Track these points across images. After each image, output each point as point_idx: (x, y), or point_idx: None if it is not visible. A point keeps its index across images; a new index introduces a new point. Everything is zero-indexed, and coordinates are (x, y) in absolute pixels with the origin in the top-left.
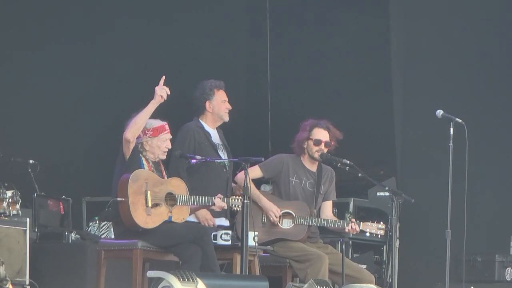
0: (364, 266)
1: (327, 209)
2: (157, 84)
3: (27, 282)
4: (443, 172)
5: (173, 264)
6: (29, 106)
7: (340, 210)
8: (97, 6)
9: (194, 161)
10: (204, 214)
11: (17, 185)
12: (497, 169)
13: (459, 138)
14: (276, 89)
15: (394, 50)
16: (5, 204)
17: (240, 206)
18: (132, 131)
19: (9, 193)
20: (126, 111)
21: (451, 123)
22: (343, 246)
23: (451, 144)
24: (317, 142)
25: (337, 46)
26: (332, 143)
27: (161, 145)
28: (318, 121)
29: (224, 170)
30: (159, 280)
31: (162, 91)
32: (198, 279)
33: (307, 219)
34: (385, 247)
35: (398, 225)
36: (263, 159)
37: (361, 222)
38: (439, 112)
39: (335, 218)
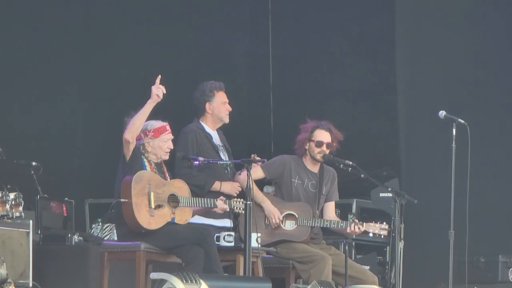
0: (367, 267)
1: (330, 210)
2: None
3: (31, 285)
4: (446, 172)
5: (176, 266)
6: (31, 108)
7: (342, 211)
8: (99, 7)
9: (197, 162)
10: (229, 186)
11: (19, 187)
12: (500, 169)
13: (461, 138)
14: (278, 90)
15: (399, 52)
16: (8, 206)
17: (242, 209)
18: (131, 132)
19: (12, 195)
20: (129, 113)
21: (454, 124)
22: (346, 247)
23: (453, 144)
24: (319, 144)
25: (339, 47)
26: (334, 144)
27: (162, 145)
28: (320, 122)
29: (226, 171)
30: (162, 281)
31: (158, 90)
32: (201, 281)
33: (310, 220)
34: (388, 248)
35: (402, 226)
36: (265, 160)
37: (364, 223)
38: (442, 113)
39: (337, 219)
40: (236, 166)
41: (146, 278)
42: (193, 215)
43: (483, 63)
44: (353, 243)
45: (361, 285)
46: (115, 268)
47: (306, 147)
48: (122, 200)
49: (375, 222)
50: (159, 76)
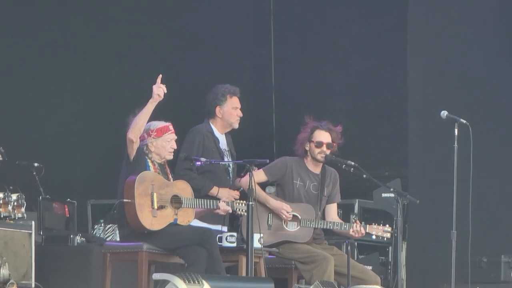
0: (370, 267)
1: (332, 212)
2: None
3: (33, 285)
4: (448, 173)
5: (179, 267)
6: (33, 109)
7: (345, 212)
8: (101, 8)
9: (199, 163)
10: (226, 193)
11: (22, 188)
12: (502, 169)
13: (463, 138)
14: (280, 91)
15: (411, 52)
16: (10, 208)
17: (244, 211)
18: (134, 131)
19: (14, 196)
20: (133, 112)
21: (456, 124)
22: (349, 247)
23: (455, 145)
24: (319, 144)
25: (342, 47)
26: (334, 144)
27: (166, 145)
28: (319, 122)
29: (228, 177)
30: (165, 282)
31: (159, 90)
32: (204, 281)
33: (313, 221)
34: (390, 248)
35: (407, 225)
36: (267, 161)
37: (367, 225)
38: (444, 113)
39: (340, 221)
40: (238, 167)
41: (148, 278)
42: (195, 216)
43: (484, 61)
44: (356, 243)
45: (364, 285)
46: (117, 269)
47: (307, 148)
48: (125, 200)
49: (378, 225)
50: (160, 76)
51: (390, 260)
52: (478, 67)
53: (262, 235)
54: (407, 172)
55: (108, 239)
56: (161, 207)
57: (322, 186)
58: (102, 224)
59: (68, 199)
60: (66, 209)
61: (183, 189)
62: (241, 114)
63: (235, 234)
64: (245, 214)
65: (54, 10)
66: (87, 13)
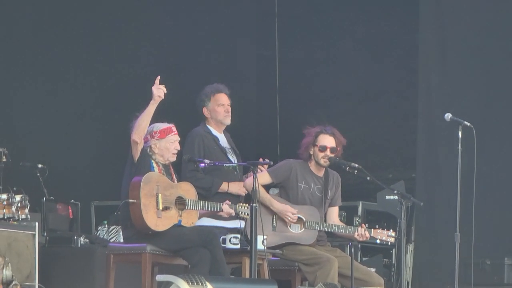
0: (373, 270)
1: (334, 215)
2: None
3: (36, 287)
4: (452, 175)
5: (182, 268)
6: (37, 110)
7: (348, 214)
8: (102, 9)
9: (203, 165)
10: (236, 186)
11: (26, 189)
12: (506, 172)
13: (467, 141)
14: (284, 93)
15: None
16: (14, 209)
17: (247, 214)
18: (137, 132)
19: (18, 198)
20: (133, 115)
21: (460, 126)
22: (352, 250)
23: (459, 147)
24: (323, 148)
25: (346, 49)
26: (338, 149)
27: (169, 146)
28: (324, 127)
29: (235, 173)
30: (168, 284)
31: (159, 91)
32: (207, 283)
33: (317, 224)
34: (394, 250)
35: (413, 227)
36: (271, 162)
37: (372, 229)
38: (448, 116)
39: (342, 224)
40: (243, 169)
41: (152, 280)
42: (199, 218)
43: (488, 64)
44: (359, 246)
45: None
46: (121, 270)
47: (311, 152)
48: (130, 200)
49: (382, 229)
50: (158, 77)
51: (393, 262)
52: (483, 70)
53: (265, 237)
54: (412, 174)
55: (111, 240)
56: (165, 208)
57: (326, 188)
58: (106, 226)
59: (72, 201)
60: (70, 211)
61: (187, 190)
62: (229, 110)
63: (238, 235)
64: (248, 217)
65: (53, 11)
66: (87, 15)
